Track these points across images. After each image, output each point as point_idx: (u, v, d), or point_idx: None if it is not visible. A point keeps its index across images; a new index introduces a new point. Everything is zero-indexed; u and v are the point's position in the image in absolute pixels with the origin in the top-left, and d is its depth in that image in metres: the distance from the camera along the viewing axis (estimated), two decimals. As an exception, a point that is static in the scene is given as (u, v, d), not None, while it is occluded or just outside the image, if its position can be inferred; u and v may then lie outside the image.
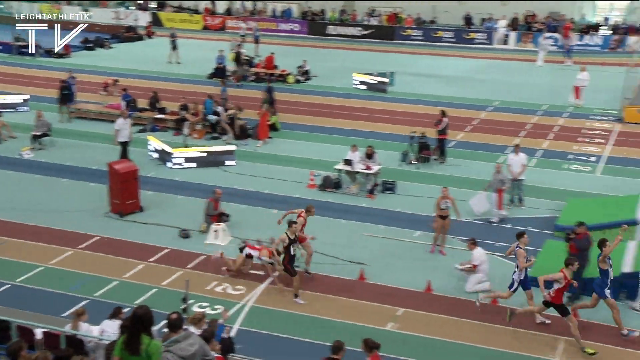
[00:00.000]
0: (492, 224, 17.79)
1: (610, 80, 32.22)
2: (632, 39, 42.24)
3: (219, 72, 33.72)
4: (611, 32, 45.59)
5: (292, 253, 13.90)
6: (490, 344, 12.59)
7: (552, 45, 40.73)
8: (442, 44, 46.16)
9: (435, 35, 47.22)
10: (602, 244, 12.77)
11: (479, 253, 14.44)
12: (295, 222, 14.22)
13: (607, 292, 12.70)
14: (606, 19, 48.48)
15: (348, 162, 20.03)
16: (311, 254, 14.85)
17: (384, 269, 15.35)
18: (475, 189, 18.51)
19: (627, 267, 14.13)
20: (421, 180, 20.83)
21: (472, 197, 18.12)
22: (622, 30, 45.01)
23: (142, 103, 27.32)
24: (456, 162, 22.36)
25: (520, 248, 13.30)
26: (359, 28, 49.03)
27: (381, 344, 10.06)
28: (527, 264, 13.17)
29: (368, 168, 19.94)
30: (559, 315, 12.58)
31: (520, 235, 13.55)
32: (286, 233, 13.93)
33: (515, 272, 13.29)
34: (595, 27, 46.35)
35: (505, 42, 45.70)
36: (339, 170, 20.32)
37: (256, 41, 40.86)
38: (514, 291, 13.29)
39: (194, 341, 8.01)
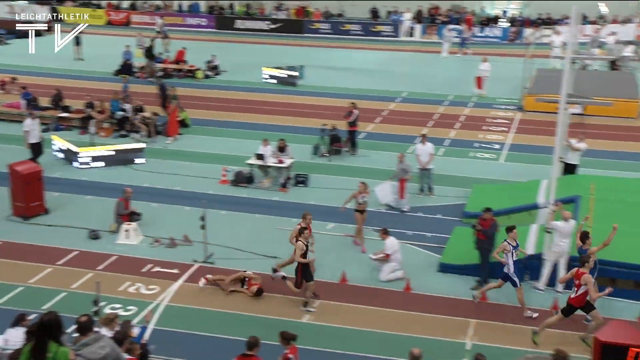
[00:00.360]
0: (404, 213, 18.18)
1: (510, 71, 33.49)
2: (528, 31, 44.12)
3: (125, 69, 32.84)
4: (509, 24, 47.51)
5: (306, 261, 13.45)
6: (404, 330, 12.85)
7: (456, 37, 41.97)
8: (350, 36, 46.69)
9: (343, 28, 47.72)
10: (585, 236, 12.97)
11: (391, 242, 14.68)
12: (306, 228, 13.73)
13: None
14: (504, 12, 50.46)
15: (260, 157, 19.97)
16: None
17: (299, 262, 15.39)
18: (386, 179, 18.83)
19: (530, 249, 14.76)
20: (333, 172, 21.04)
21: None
22: (519, 23, 47.08)
23: (44, 101, 26.24)
24: (367, 153, 22.70)
25: (505, 241, 13.34)
26: (268, 22, 48.89)
27: (298, 335, 10.12)
28: (498, 257, 13.24)
29: (280, 162, 19.95)
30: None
31: (509, 229, 13.51)
32: (300, 241, 13.44)
33: (503, 269, 13.34)
34: (494, 20, 48.22)
35: (411, 35, 46.74)
36: (251, 165, 20.24)
37: (165, 36, 40.01)
38: (520, 284, 13.28)
39: (105, 344, 7.79)
